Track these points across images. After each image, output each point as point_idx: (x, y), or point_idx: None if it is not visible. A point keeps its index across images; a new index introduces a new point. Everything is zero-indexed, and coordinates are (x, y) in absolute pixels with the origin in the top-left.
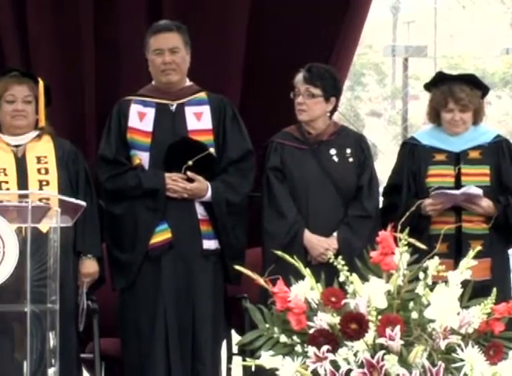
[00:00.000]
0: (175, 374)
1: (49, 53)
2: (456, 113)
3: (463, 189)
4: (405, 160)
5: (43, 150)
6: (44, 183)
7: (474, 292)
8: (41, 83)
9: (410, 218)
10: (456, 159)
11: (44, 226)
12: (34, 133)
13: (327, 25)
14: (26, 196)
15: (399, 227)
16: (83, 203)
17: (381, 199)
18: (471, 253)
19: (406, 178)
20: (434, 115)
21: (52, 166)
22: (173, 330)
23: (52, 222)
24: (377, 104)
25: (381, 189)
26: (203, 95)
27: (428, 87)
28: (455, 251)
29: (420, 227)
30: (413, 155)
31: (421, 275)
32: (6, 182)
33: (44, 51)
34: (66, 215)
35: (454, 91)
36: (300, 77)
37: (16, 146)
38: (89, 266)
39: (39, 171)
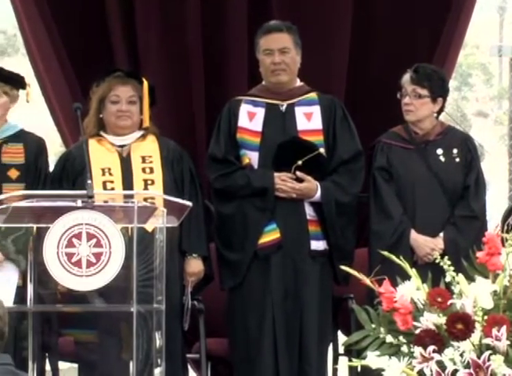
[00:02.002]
0: (283, 374)
1: (157, 53)
2: None
3: None
4: None
5: (148, 150)
6: (149, 182)
7: None
8: (145, 83)
9: None
10: None
11: (150, 226)
12: (139, 133)
13: (431, 25)
14: (131, 196)
15: (505, 227)
16: (188, 203)
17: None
18: None
19: None
20: None
21: (157, 165)
22: (281, 331)
23: (158, 222)
24: (484, 104)
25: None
26: (313, 95)
27: None
28: None
29: None
30: None
31: None
32: (111, 182)
33: (152, 51)
34: (171, 215)
35: None
36: (407, 77)
37: (121, 146)
38: (195, 266)
39: (144, 170)
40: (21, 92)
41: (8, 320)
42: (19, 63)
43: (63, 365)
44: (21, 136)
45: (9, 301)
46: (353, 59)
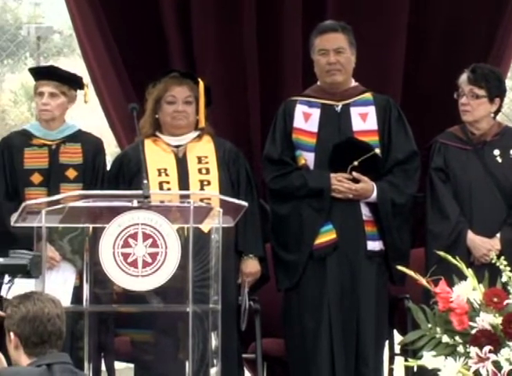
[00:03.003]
0: (339, 375)
1: (213, 54)
2: None
3: None
4: None
5: (204, 150)
6: (205, 183)
7: None
8: (201, 83)
9: None
10: None
11: (206, 227)
12: (195, 133)
13: (486, 25)
14: (187, 196)
15: None
16: (244, 203)
17: None
18: None
19: None
20: None
21: (213, 166)
22: (337, 331)
23: (214, 223)
24: None
25: None
26: (368, 95)
27: None
28: None
29: None
30: None
31: None
32: (168, 183)
33: (208, 51)
34: (227, 215)
35: None
36: (464, 77)
37: (177, 147)
38: (251, 266)
39: (200, 171)
40: (79, 93)
41: (67, 321)
42: (76, 64)
43: (118, 365)
44: (79, 136)
45: (65, 301)
46: (409, 59)
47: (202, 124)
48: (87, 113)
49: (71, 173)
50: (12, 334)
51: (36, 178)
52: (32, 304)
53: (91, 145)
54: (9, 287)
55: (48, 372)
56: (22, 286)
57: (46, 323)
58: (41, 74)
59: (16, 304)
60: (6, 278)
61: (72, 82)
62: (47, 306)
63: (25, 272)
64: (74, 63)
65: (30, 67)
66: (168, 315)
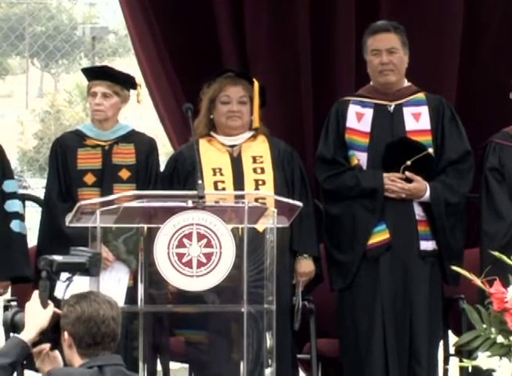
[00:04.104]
0: (393, 375)
1: (266, 54)
2: None
3: None
4: None
5: (258, 150)
6: (260, 183)
7: None
8: (256, 84)
9: None
10: None
11: (260, 227)
12: (249, 133)
13: None
14: (242, 196)
15: None
16: (299, 203)
17: None
18: None
19: None
20: None
21: (267, 166)
22: (390, 331)
23: (269, 223)
24: None
25: None
26: (421, 95)
27: None
28: None
29: None
30: None
31: None
32: (222, 182)
33: (261, 52)
34: (282, 216)
35: None
36: None
37: (231, 147)
38: (305, 266)
39: (255, 170)
40: (132, 93)
41: (121, 321)
42: (131, 64)
43: (173, 365)
44: (132, 137)
45: (119, 302)
46: (464, 60)
47: (256, 124)
48: (143, 114)
49: (124, 173)
50: (66, 333)
51: (89, 178)
52: (88, 305)
53: (144, 145)
54: (67, 286)
55: (100, 374)
56: (76, 286)
57: (100, 325)
58: (94, 74)
59: (72, 303)
60: (64, 276)
61: (125, 82)
62: (102, 308)
63: (84, 270)
64: (129, 63)
65: (83, 67)
66: (223, 315)
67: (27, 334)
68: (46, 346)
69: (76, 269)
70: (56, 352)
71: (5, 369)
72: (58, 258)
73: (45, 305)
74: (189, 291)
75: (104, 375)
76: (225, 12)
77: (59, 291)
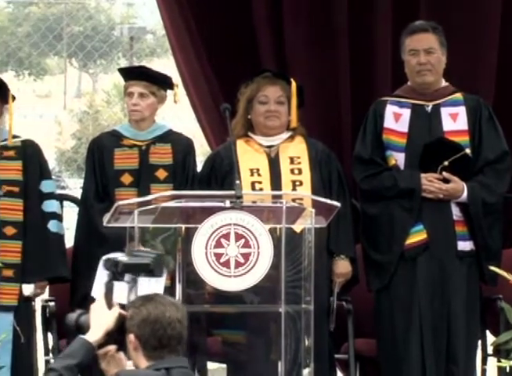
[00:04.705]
0: (430, 375)
1: (305, 54)
2: None
3: None
4: None
5: (296, 151)
6: (297, 183)
7: None
8: (293, 84)
9: None
10: None
11: (298, 227)
12: (287, 134)
13: None
14: (279, 196)
15: None
16: (337, 203)
17: None
18: None
19: None
20: None
21: (305, 166)
22: (428, 331)
23: (307, 223)
24: None
25: None
26: (458, 95)
27: None
28: None
29: None
30: None
31: None
32: (260, 183)
33: (299, 53)
34: (320, 216)
35: None
36: None
37: (269, 147)
38: (342, 266)
39: (292, 171)
40: (169, 93)
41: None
42: (169, 64)
43: (211, 365)
44: (169, 137)
45: None
46: (502, 60)
47: (294, 124)
48: (181, 114)
49: (161, 174)
50: (132, 335)
51: (126, 178)
52: (154, 307)
53: (181, 145)
54: (131, 288)
55: None
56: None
57: (166, 327)
58: (131, 74)
59: (138, 305)
60: (128, 277)
61: (161, 82)
62: (168, 310)
63: (148, 271)
64: (167, 64)
65: (120, 67)
66: (260, 315)
67: (93, 336)
68: (112, 348)
69: (141, 270)
70: (122, 354)
71: (71, 369)
72: (123, 258)
73: (110, 307)
74: (226, 291)
75: None
76: (264, 14)
77: (95, 291)
